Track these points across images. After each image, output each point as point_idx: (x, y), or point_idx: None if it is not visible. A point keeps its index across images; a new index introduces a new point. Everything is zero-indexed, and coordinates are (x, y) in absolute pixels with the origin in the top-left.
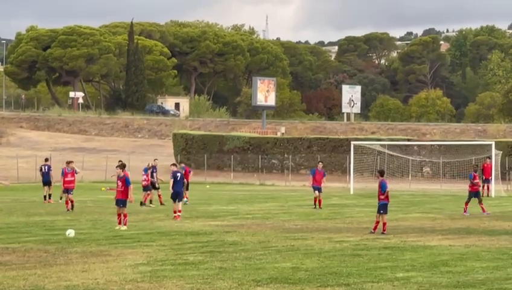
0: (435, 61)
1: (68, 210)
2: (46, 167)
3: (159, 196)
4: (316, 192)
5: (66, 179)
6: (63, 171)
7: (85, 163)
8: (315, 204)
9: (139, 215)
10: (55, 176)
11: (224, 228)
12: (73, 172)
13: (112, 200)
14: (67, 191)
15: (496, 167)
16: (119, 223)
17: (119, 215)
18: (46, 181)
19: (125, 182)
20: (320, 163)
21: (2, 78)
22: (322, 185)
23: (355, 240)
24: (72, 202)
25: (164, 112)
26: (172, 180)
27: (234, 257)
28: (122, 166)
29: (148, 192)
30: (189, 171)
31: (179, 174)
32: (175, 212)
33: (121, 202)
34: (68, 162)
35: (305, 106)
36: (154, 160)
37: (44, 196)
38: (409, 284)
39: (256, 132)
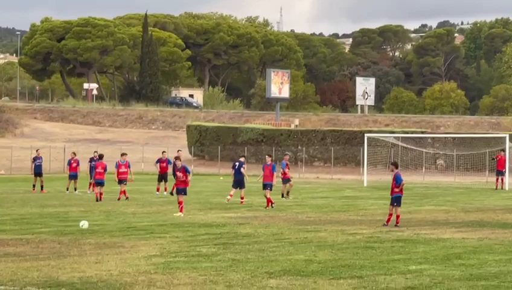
0: (449, 53)
1: (126, 198)
2: (40, 159)
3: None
4: (265, 190)
5: (120, 170)
6: (116, 163)
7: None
8: (268, 204)
9: (153, 207)
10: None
11: (237, 220)
12: (127, 164)
13: (128, 191)
14: (120, 181)
15: (510, 160)
16: (181, 210)
17: (180, 202)
18: (39, 172)
19: (185, 171)
20: (268, 157)
21: (16, 70)
22: (274, 181)
23: (369, 233)
24: (124, 193)
25: (187, 104)
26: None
27: (247, 249)
28: (179, 158)
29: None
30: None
31: (237, 163)
32: (242, 198)
33: (182, 190)
34: (122, 154)
35: (319, 98)
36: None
37: (34, 185)
38: (422, 277)
39: (270, 123)
